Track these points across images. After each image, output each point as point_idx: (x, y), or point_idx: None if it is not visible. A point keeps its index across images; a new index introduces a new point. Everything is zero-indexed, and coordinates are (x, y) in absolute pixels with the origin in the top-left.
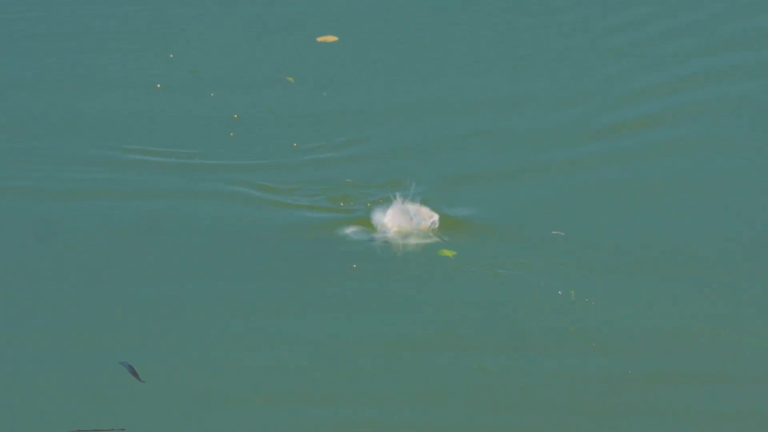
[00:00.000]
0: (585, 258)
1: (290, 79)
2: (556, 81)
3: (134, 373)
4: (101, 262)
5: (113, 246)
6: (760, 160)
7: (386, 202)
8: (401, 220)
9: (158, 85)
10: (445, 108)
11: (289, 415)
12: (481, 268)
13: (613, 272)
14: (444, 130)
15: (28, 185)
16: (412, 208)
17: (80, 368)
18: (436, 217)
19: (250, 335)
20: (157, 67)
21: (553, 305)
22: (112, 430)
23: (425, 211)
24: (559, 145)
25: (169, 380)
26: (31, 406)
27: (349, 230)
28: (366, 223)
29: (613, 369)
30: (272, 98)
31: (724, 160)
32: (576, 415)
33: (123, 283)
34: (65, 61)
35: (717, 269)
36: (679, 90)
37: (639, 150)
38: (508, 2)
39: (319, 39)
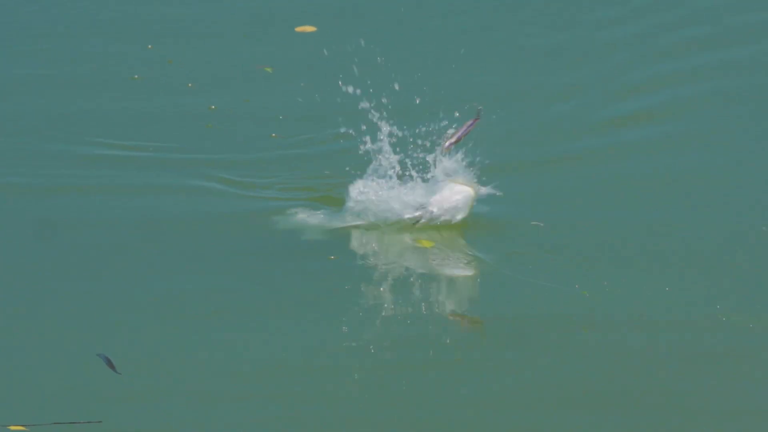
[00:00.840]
0: (583, 252)
1: (268, 69)
2: (551, 76)
3: (111, 365)
4: (79, 257)
5: (93, 241)
6: (757, 154)
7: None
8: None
9: (136, 76)
10: (428, 102)
11: (273, 413)
12: (464, 260)
13: (613, 265)
14: (428, 125)
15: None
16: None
17: (57, 360)
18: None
19: (228, 331)
20: (136, 58)
21: (552, 300)
22: (89, 422)
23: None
24: (554, 140)
25: (146, 373)
26: (9, 398)
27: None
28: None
29: (612, 363)
30: (250, 89)
31: (723, 153)
32: (575, 409)
33: (102, 277)
34: (43, 53)
35: (716, 263)
36: (675, 84)
37: (636, 144)
38: None
39: (298, 29)
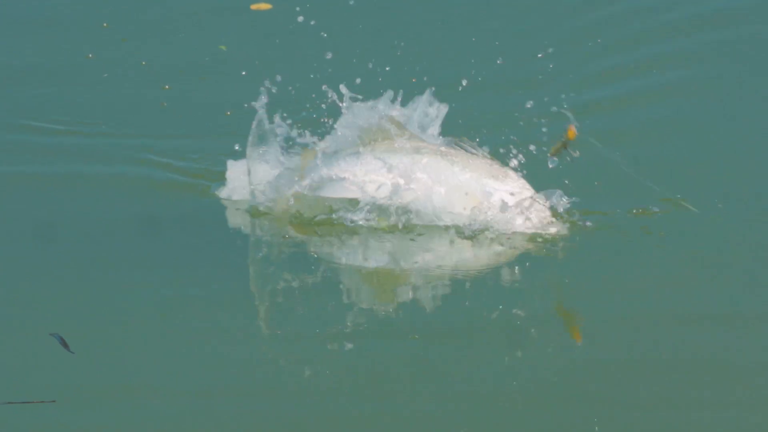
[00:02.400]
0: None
1: (223, 47)
2: (518, 62)
3: (65, 345)
4: (32, 242)
5: (47, 227)
6: (738, 142)
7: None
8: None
9: (90, 55)
10: (393, 82)
11: (230, 402)
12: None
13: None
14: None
15: None
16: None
17: (9, 339)
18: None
19: (186, 316)
20: (90, 37)
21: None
22: (43, 401)
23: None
24: (529, 127)
25: (100, 352)
26: None
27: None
28: None
29: (608, 357)
30: (205, 67)
31: (704, 139)
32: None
33: (55, 258)
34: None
35: (708, 254)
36: (649, 71)
37: (607, 131)
38: None
39: (253, 6)
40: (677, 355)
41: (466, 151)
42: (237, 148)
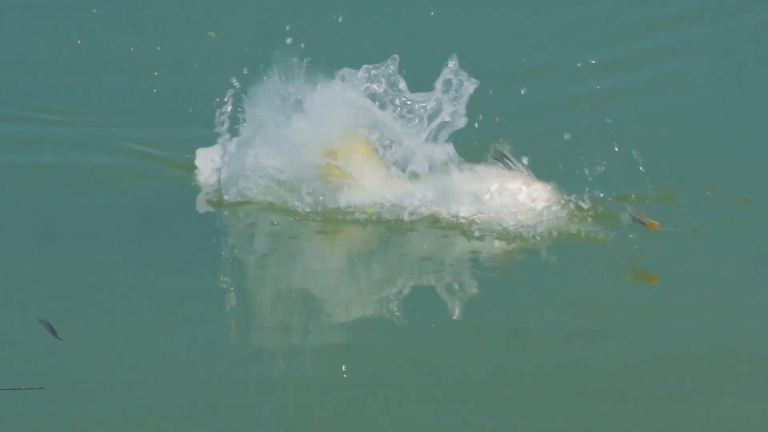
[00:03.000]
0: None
1: (212, 34)
2: (508, 57)
3: (52, 331)
4: (23, 229)
5: (42, 218)
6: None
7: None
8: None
9: (79, 42)
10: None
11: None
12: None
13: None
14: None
15: None
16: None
17: None
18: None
19: (169, 309)
20: (79, 23)
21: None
22: (31, 388)
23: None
24: (512, 124)
25: (88, 339)
26: None
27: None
28: None
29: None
30: (194, 54)
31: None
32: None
33: (45, 247)
34: None
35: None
36: (647, 63)
37: (608, 122)
38: None
39: None
40: (692, 348)
41: (504, 163)
42: (229, 138)
